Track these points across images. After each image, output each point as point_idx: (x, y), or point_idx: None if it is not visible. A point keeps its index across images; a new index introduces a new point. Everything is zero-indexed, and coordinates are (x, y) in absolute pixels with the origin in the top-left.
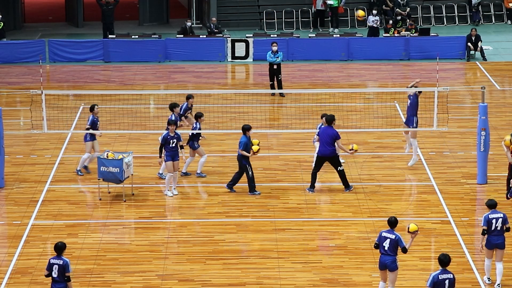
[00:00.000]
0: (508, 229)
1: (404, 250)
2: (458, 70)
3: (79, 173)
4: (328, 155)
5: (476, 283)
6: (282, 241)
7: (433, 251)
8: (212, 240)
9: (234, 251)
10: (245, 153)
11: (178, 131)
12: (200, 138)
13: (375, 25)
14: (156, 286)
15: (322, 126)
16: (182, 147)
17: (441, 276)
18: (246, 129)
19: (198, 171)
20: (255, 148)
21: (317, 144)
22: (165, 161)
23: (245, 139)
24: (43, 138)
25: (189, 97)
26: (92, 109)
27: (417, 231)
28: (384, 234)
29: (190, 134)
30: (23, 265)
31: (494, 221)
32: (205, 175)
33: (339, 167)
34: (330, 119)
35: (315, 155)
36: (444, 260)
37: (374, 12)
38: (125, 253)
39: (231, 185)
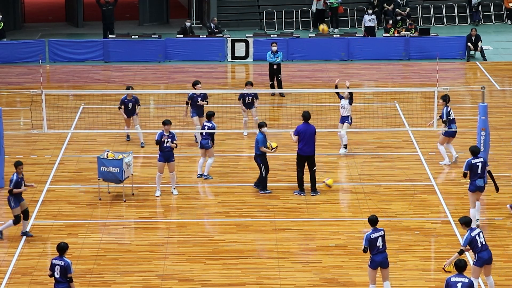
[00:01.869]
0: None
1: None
2: (458, 70)
3: None
4: (310, 154)
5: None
6: (282, 241)
7: (433, 251)
8: (212, 240)
9: (234, 251)
10: (266, 149)
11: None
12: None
13: (372, 24)
14: (156, 286)
15: (302, 124)
16: (176, 145)
17: (454, 279)
18: (261, 126)
19: (206, 173)
20: (274, 144)
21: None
22: (157, 160)
23: (262, 136)
24: (43, 138)
25: (196, 83)
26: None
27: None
28: (374, 235)
29: (205, 133)
30: (23, 265)
31: (477, 237)
32: (212, 177)
33: (314, 167)
34: (309, 116)
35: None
36: (459, 265)
37: (369, 11)
38: (125, 253)
39: (263, 187)
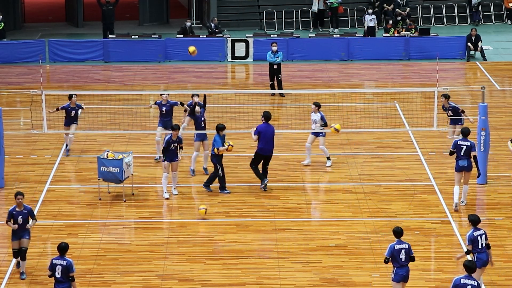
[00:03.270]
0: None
1: (413, 259)
2: (458, 70)
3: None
4: (270, 153)
5: None
6: (282, 241)
7: (433, 251)
8: (212, 240)
9: (234, 251)
10: (222, 150)
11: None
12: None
13: (372, 24)
14: (156, 286)
15: (262, 124)
16: (181, 147)
17: (463, 281)
18: (220, 128)
19: (205, 166)
20: (231, 142)
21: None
22: (162, 161)
23: (219, 138)
24: (43, 138)
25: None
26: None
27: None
28: (397, 247)
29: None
30: None
31: (479, 238)
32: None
33: (267, 166)
34: (270, 116)
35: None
36: (469, 266)
37: (370, 11)
38: (125, 253)
39: (221, 187)
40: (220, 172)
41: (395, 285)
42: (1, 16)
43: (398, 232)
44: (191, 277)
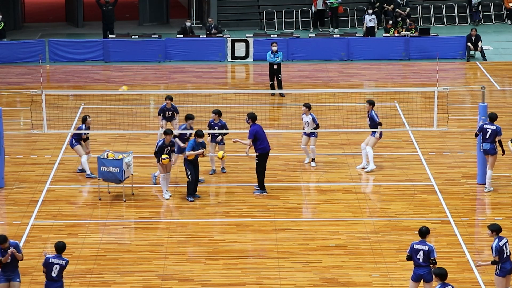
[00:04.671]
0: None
1: (434, 262)
2: (458, 70)
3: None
4: (270, 148)
5: (476, 283)
6: (282, 241)
7: None
8: (212, 240)
9: (234, 251)
10: (191, 154)
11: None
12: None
13: (372, 24)
14: (156, 286)
15: (253, 125)
16: (174, 150)
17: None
18: (198, 135)
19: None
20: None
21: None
22: (157, 162)
23: (192, 143)
24: (43, 138)
25: (189, 117)
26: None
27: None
28: (416, 246)
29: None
30: (23, 265)
31: (504, 247)
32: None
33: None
34: (256, 116)
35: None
36: (441, 273)
37: (370, 11)
38: (125, 253)
39: (190, 193)
40: (189, 177)
41: (411, 283)
42: (1, 16)
43: (421, 232)
44: (191, 277)
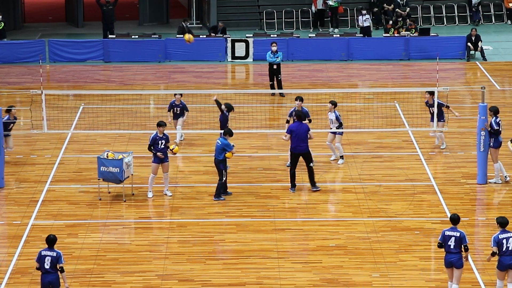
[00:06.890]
0: None
1: (466, 248)
2: (458, 70)
3: None
4: (303, 151)
5: (476, 283)
6: (282, 241)
7: (433, 251)
8: (212, 240)
9: (234, 251)
10: (233, 151)
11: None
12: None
13: (367, 24)
14: (156, 286)
15: (295, 122)
16: (168, 147)
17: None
18: (229, 133)
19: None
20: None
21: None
22: (152, 162)
23: (228, 142)
24: (43, 138)
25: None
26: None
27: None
28: (448, 233)
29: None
30: (23, 265)
31: (504, 241)
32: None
33: (311, 163)
34: (302, 115)
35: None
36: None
37: (364, 12)
38: (125, 253)
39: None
40: (224, 178)
41: (446, 270)
42: (1, 16)
43: (453, 219)
44: (191, 277)
